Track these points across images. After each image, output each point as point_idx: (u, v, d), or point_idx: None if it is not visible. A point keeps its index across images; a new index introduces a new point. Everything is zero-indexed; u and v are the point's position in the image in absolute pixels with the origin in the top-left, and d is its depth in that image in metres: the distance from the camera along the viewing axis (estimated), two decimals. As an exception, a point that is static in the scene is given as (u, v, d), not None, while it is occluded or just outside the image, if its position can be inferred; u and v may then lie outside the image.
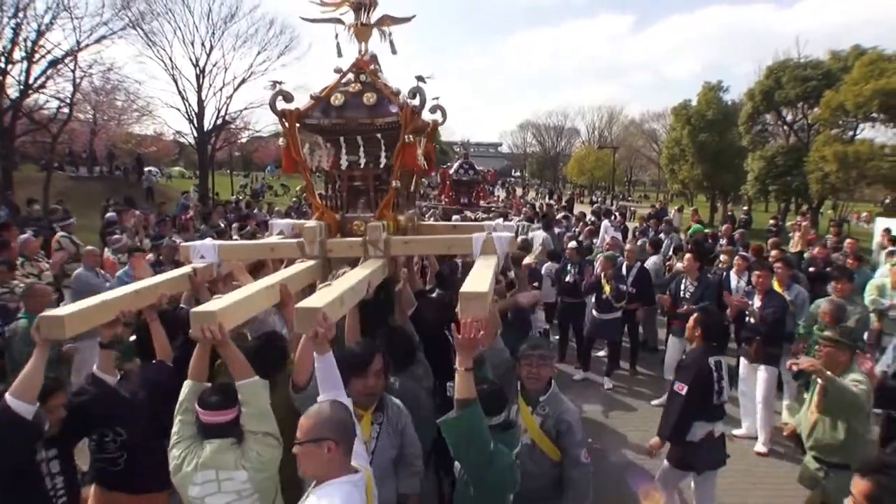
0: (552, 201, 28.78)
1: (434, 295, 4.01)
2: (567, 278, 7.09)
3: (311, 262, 3.40)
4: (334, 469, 1.84)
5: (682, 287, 6.35)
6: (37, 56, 15.50)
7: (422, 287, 4.18)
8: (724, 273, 7.04)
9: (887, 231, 10.14)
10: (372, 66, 3.70)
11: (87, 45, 16.38)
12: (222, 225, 11.01)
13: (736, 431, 5.46)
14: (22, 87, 15.46)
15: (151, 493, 2.70)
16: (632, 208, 30.60)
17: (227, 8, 22.64)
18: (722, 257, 7.89)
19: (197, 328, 2.24)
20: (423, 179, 6.39)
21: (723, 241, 10.09)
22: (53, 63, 15.85)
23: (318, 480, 1.86)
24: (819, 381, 3.18)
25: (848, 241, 8.87)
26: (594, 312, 6.78)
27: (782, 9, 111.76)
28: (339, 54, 3.68)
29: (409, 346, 3.16)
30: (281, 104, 3.47)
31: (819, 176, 18.92)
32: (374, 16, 3.71)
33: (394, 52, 3.74)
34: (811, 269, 7.46)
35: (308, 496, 1.86)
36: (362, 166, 3.67)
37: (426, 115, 3.71)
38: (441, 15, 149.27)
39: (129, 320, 3.01)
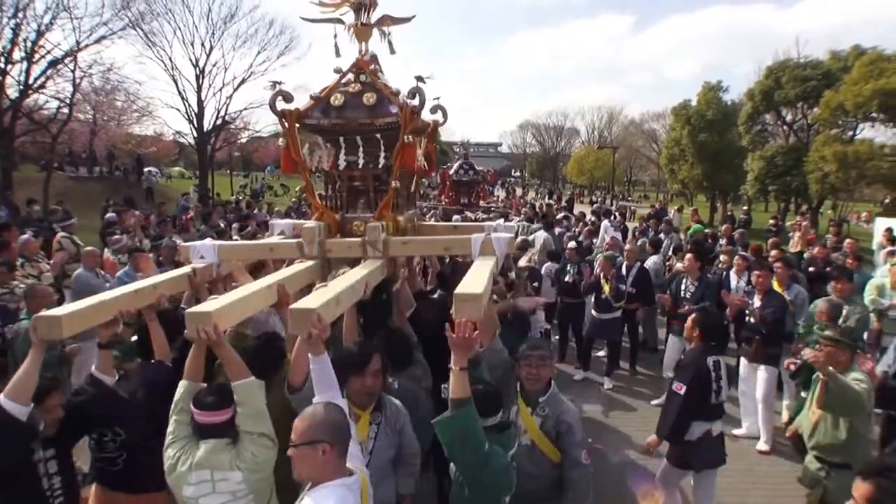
0: (552, 201, 28.79)
1: (435, 296, 4.02)
2: (566, 278, 7.09)
3: (310, 263, 3.40)
4: (329, 471, 1.84)
5: (683, 287, 6.36)
6: (36, 56, 15.52)
7: (422, 287, 4.18)
8: (724, 273, 7.04)
9: (889, 231, 10.13)
10: (372, 67, 3.70)
11: (87, 46, 16.40)
12: (222, 225, 11.01)
13: (736, 431, 5.47)
14: (22, 87, 15.47)
15: (150, 492, 2.70)
16: (632, 208, 30.61)
17: (226, 8, 22.60)
18: (722, 257, 7.89)
19: (192, 329, 2.24)
20: (424, 180, 6.39)
21: (722, 241, 10.10)
22: (53, 63, 15.85)
23: (313, 483, 1.85)
24: (821, 376, 3.20)
25: (847, 241, 8.87)
26: (593, 312, 6.78)
27: (782, 9, 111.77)
28: (338, 54, 3.69)
29: (407, 347, 3.16)
30: (281, 104, 3.47)
31: (819, 176, 18.93)
32: (375, 16, 3.71)
33: (392, 51, 3.75)
34: (811, 269, 7.47)
35: (302, 498, 1.85)
36: (360, 166, 3.67)
37: (427, 116, 3.71)
38: (440, 15, 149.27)
39: (130, 320, 3.01)
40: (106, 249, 7.39)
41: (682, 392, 3.60)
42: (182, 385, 2.39)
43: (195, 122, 22.18)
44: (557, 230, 10.58)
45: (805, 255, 9.92)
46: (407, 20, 3.77)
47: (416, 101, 3.35)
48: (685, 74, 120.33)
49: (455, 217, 7.94)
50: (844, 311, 5.04)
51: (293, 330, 2.25)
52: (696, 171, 26.60)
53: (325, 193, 3.89)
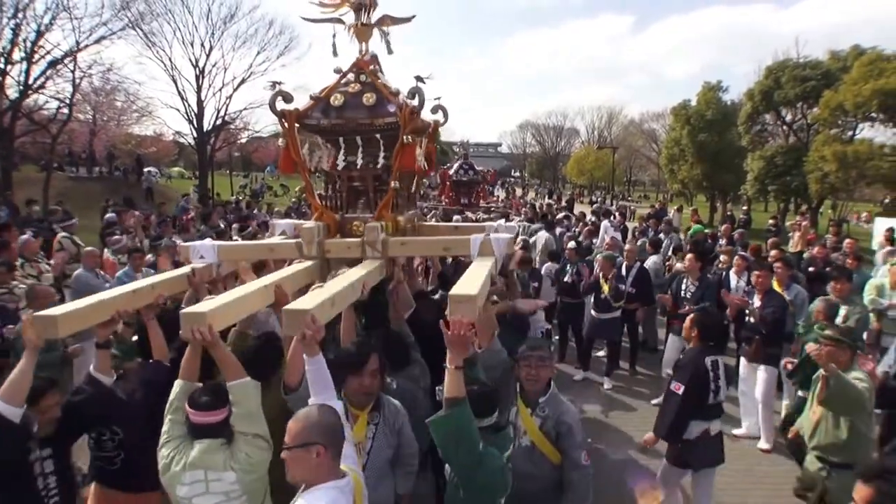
0: (552, 201, 28.79)
1: (437, 296, 4.01)
2: (566, 278, 7.10)
3: (309, 263, 3.40)
4: (322, 474, 1.83)
5: (684, 287, 6.36)
6: (36, 56, 15.51)
7: (422, 288, 4.18)
8: (724, 273, 7.05)
9: (891, 231, 10.11)
10: (372, 67, 3.70)
11: (87, 46, 16.40)
12: (222, 226, 11.02)
13: (736, 431, 5.47)
14: (21, 87, 15.47)
15: (148, 491, 2.69)
16: (631, 208, 30.61)
17: (226, 8, 22.67)
18: (722, 257, 7.90)
19: (187, 329, 2.24)
20: (424, 180, 6.39)
21: (722, 241, 10.10)
22: (53, 63, 15.85)
23: (306, 485, 1.85)
24: (821, 373, 3.21)
25: (847, 240, 8.87)
26: (593, 312, 6.79)
27: (781, 9, 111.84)
28: (335, 54, 3.69)
29: (404, 346, 3.15)
30: (280, 104, 3.48)
31: (818, 176, 18.92)
32: (375, 16, 3.71)
33: (389, 52, 3.75)
34: (810, 269, 7.48)
35: (295, 500, 1.85)
36: (359, 167, 3.67)
37: (427, 116, 3.71)
38: (440, 16, 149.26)
39: (130, 320, 3.01)
40: (106, 250, 7.39)
41: (680, 392, 3.61)
42: (177, 385, 2.39)
43: (195, 122, 22.20)
44: (558, 230, 10.59)
45: (805, 255, 9.92)
46: (407, 20, 3.78)
47: (415, 102, 3.35)
48: (685, 74, 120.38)
49: (455, 217, 7.94)
50: (844, 311, 5.05)
51: (287, 331, 2.25)
52: (696, 171, 26.60)
53: (325, 193, 3.89)
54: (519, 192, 41.26)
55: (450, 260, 4.61)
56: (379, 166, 3.64)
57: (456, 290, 2.39)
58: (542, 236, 9.39)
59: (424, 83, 3.38)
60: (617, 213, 19.22)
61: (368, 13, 3.68)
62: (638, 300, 6.97)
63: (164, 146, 29.85)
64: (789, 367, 4.60)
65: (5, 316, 4.72)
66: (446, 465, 2.50)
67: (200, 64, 21.63)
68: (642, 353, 7.55)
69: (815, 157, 19.12)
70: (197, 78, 21.69)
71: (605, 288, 6.60)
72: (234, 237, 9.19)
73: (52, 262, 6.80)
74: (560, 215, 14.12)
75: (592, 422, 5.81)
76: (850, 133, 19.96)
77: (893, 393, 3.86)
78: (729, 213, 21.09)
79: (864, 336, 5.48)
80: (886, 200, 24.70)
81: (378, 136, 3.59)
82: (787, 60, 23.00)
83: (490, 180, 13.36)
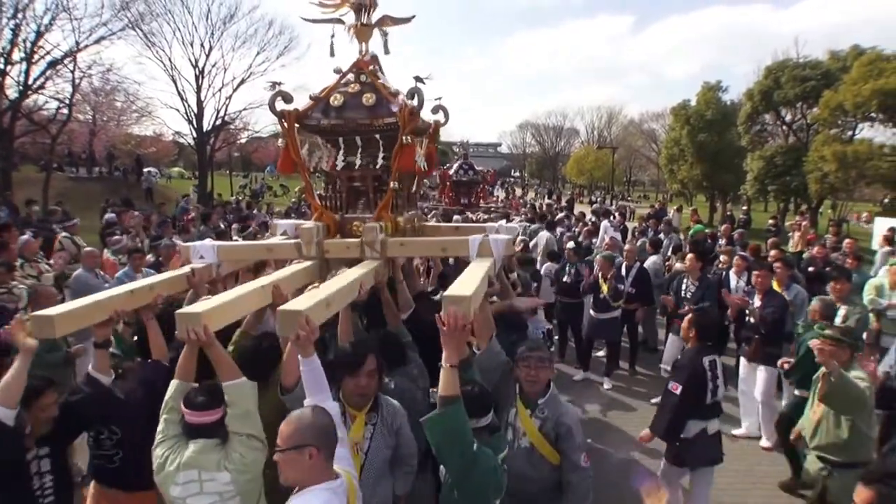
0: (552, 201, 28.79)
1: (437, 297, 4.00)
2: (564, 278, 7.10)
3: (308, 263, 3.40)
4: (315, 475, 1.83)
5: (684, 287, 6.37)
6: (36, 57, 15.54)
7: (422, 288, 4.17)
8: (724, 273, 7.05)
9: (892, 231, 10.10)
10: (371, 67, 3.70)
11: (87, 46, 16.46)
12: (222, 226, 11.02)
13: (736, 431, 5.47)
14: (21, 87, 15.49)
15: (147, 490, 2.68)
16: (631, 208, 30.61)
17: (226, 8, 22.85)
18: (721, 257, 7.90)
19: (182, 329, 2.24)
20: (425, 181, 6.40)
21: (722, 241, 10.10)
22: (53, 64, 15.88)
23: (299, 487, 1.84)
24: (822, 372, 3.22)
25: (847, 240, 8.88)
26: (592, 312, 6.79)
27: (781, 9, 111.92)
28: (332, 54, 3.69)
29: (400, 347, 3.14)
30: (280, 105, 3.47)
31: (818, 176, 18.93)
32: (375, 16, 3.71)
33: (386, 52, 3.75)
34: (810, 269, 7.48)
35: (289, 502, 1.85)
36: (357, 167, 3.66)
37: (428, 116, 3.71)
38: (440, 16, 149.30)
39: (130, 320, 3.01)
40: (105, 250, 7.40)
41: (677, 392, 3.63)
42: (173, 384, 2.38)
43: (194, 122, 22.24)
44: (558, 230, 10.59)
45: (804, 255, 9.93)
46: (407, 20, 3.77)
47: (414, 102, 3.34)
48: (685, 74, 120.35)
49: (455, 217, 7.94)
50: (844, 311, 5.05)
51: (281, 332, 2.25)
52: (696, 171, 26.60)
53: (325, 194, 3.89)
54: (519, 192, 41.25)
55: (452, 260, 4.60)
56: (378, 167, 3.63)
57: (451, 291, 2.38)
58: (544, 236, 9.40)
59: (424, 83, 3.37)
60: (617, 213, 19.23)
61: (368, 13, 3.67)
62: (638, 300, 6.97)
63: (163, 146, 29.89)
64: (786, 366, 4.62)
65: (5, 316, 4.72)
66: (441, 466, 2.48)
67: (200, 64, 21.70)
68: (642, 353, 7.55)
69: (814, 157, 19.13)
70: (197, 78, 21.74)
71: (605, 288, 6.61)
72: (235, 237, 9.19)
73: (51, 262, 6.80)
74: (560, 215, 14.13)
75: (592, 422, 5.81)
76: (849, 133, 19.97)
77: (894, 393, 3.87)
78: (729, 213, 21.08)
79: (864, 336, 5.48)
80: (886, 200, 24.69)
81: (377, 136, 3.59)
82: (786, 60, 23.02)
83: (490, 180, 13.36)
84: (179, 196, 20.19)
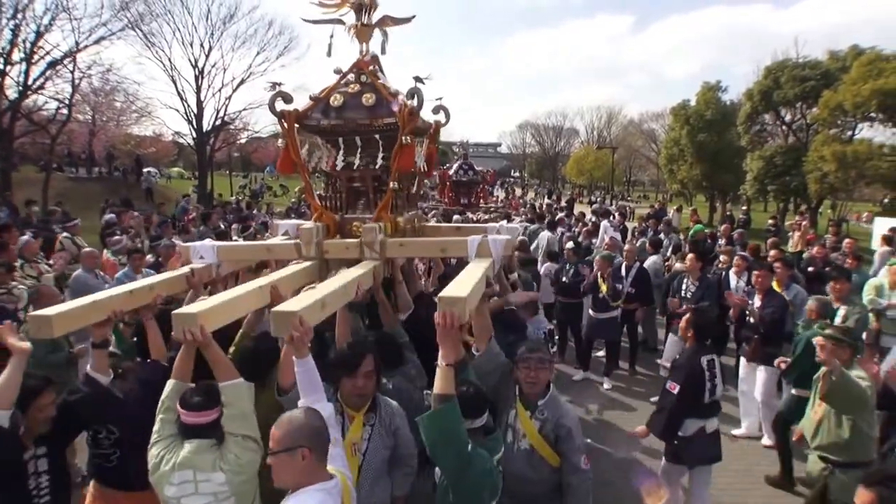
0: (551, 201, 28.78)
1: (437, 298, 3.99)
2: (563, 278, 7.11)
3: (307, 264, 3.40)
4: (309, 476, 1.82)
5: (684, 287, 6.38)
6: (36, 57, 15.54)
7: (422, 289, 4.17)
8: (724, 273, 7.05)
9: (893, 231, 10.10)
10: (371, 67, 3.70)
11: (86, 47, 16.46)
12: (222, 226, 11.02)
13: (736, 431, 5.48)
14: (21, 88, 15.49)
15: (145, 490, 2.66)
16: (630, 207, 30.62)
17: (225, 9, 22.87)
18: (721, 257, 7.90)
19: (178, 330, 2.24)
20: (426, 181, 6.40)
21: (722, 241, 10.10)
22: (52, 64, 15.88)
23: (293, 488, 1.84)
24: (823, 371, 3.22)
25: (847, 240, 8.88)
26: (591, 312, 6.80)
27: (781, 9, 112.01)
28: (329, 54, 3.69)
29: (397, 347, 3.13)
30: (280, 105, 3.47)
31: (818, 176, 18.93)
32: (375, 16, 3.71)
33: (383, 52, 3.75)
34: (810, 269, 7.48)
35: (284, 502, 1.84)
36: (355, 167, 3.66)
37: (429, 116, 3.70)
38: (440, 16, 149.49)
39: (130, 320, 3.01)
40: (105, 250, 7.40)
41: (675, 391, 3.64)
42: (170, 384, 2.38)
43: (194, 122, 22.24)
44: (559, 230, 10.60)
45: (804, 255, 9.93)
46: (407, 21, 3.77)
47: (414, 102, 3.34)
48: (684, 74, 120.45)
49: (455, 217, 7.94)
50: (843, 311, 5.06)
51: (275, 332, 2.23)
52: (696, 171, 26.60)
53: (325, 194, 3.89)
54: (518, 192, 41.24)
55: (454, 261, 4.59)
56: (378, 167, 3.63)
57: (446, 291, 2.38)
58: (545, 236, 9.42)
59: (423, 84, 3.37)
60: (617, 213, 19.23)
61: (369, 14, 3.68)
62: (637, 300, 6.98)
63: (163, 146, 29.90)
64: (783, 366, 4.63)
65: (4, 316, 4.72)
66: (437, 469, 2.47)
67: (200, 64, 21.72)
68: (642, 353, 7.55)
69: (814, 157, 19.13)
70: (196, 78, 21.76)
71: (603, 287, 6.61)
72: (235, 238, 9.20)
73: (51, 262, 6.80)
74: (560, 215, 14.14)
75: (592, 422, 5.81)
76: (849, 133, 19.97)
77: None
78: (728, 213, 21.09)
79: (864, 336, 5.49)
80: (886, 200, 24.69)
81: (377, 136, 3.58)
82: (786, 60, 23.02)
83: (489, 180, 13.36)
84: (179, 196, 20.19)
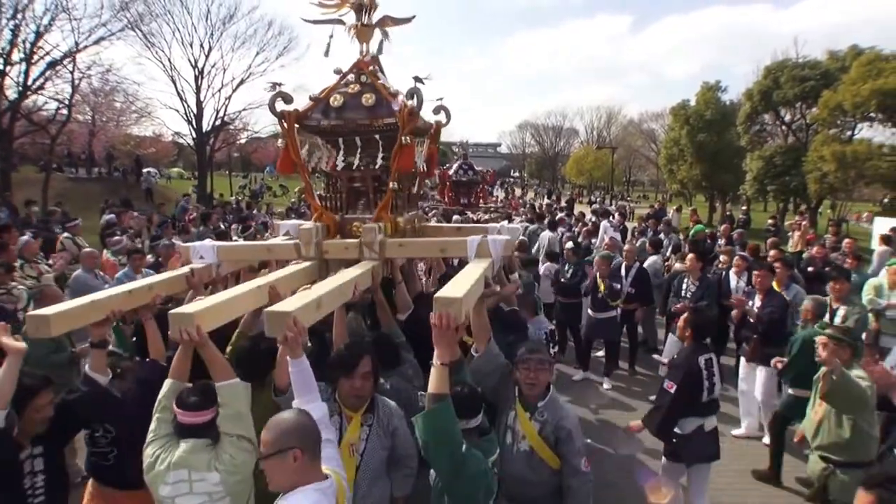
0: (551, 201, 28.78)
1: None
2: (562, 279, 7.11)
3: (307, 264, 3.39)
4: (303, 477, 1.82)
5: (684, 287, 6.38)
6: (35, 57, 15.53)
7: (421, 289, 4.17)
8: (724, 273, 7.06)
9: (894, 231, 10.09)
10: (371, 67, 3.70)
11: (86, 47, 16.45)
12: (222, 226, 11.03)
13: (736, 431, 5.48)
14: (20, 88, 15.48)
15: (142, 489, 2.66)
16: (629, 207, 30.63)
17: (225, 9, 22.88)
18: (721, 257, 7.90)
19: (175, 330, 2.24)
20: (426, 181, 6.40)
21: (721, 241, 10.09)
22: (52, 64, 15.87)
23: (289, 489, 1.84)
24: (823, 370, 3.23)
25: (846, 240, 8.88)
26: (590, 312, 6.80)
27: (781, 9, 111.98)
28: (326, 54, 3.70)
29: (394, 347, 3.13)
30: (280, 105, 3.47)
31: (817, 176, 18.94)
32: (375, 17, 3.71)
33: (379, 52, 3.76)
34: (809, 269, 7.49)
35: (279, 501, 1.84)
36: (354, 167, 3.66)
37: (430, 117, 3.70)
38: (440, 16, 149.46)
39: (130, 320, 3.00)
40: (105, 250, 7.40)
41: (672, 390, 3.66)
42: (167, 384, 2.38)
43: (194, 122, 22.24)
44: (560, 230, 10.61)
45: (804, 255, 9.93)
46: (407, 21, 3.78)
47: (414, 102, 3.34)
48: (684, 74, 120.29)
49: (455, 217, 7.94)
50: (843, 311, 5.06)
51: (269, 332, 2.23)
52: (695, 171, 26.61)
53: (325, 194, 3.89)
54: (518, 192, 41.25)
55: (456, 261, 4.59)
56: (378, 167, 3.63)
57: (442, 292, 2.38)
58: (546, 236, 9.43)
59: (423, 84, 3.38)
60: (616, 214, 19.24)
61: (369, 14, 3.68)
62: (637, 300, 6.98)
63: (163, 147, 29.88)
64: (779, 365, 4.63)
65: (4, 317, 4.72)
66: (431, 471, 2.45)
67: (199, 64, 21.72)
68: (642, 353, 7.55)
69: (813, 156, 19.14)
70: (196, 78, 21.76)
71: (602, 287, 6.61)
72: (235, 238, 9.20)
73: (51, 262, 6.80)
74: (561, 215, 14.14)
75: (592, 422, 5.81)
76: (848, 133, 19.98)
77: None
78: (728, 213, 21.10)
79: (864, 336, 5.49)
80: (885, 200, 24.70)
81: (377, 136, 3.59)
82: (786, 60, 23.03)
83: (489, 181, 13.35)
84: (179, 196, 20.19)
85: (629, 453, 5.07)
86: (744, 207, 25.46)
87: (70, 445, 3.44)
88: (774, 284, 5.62)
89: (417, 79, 3.37)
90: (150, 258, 6.88)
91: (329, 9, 3.67)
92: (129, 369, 2.98)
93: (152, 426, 2.32)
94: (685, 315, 3.96)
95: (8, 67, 15.17)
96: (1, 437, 2.31)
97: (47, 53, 15.75)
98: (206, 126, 22.55)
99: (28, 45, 15.29)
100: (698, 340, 3.80)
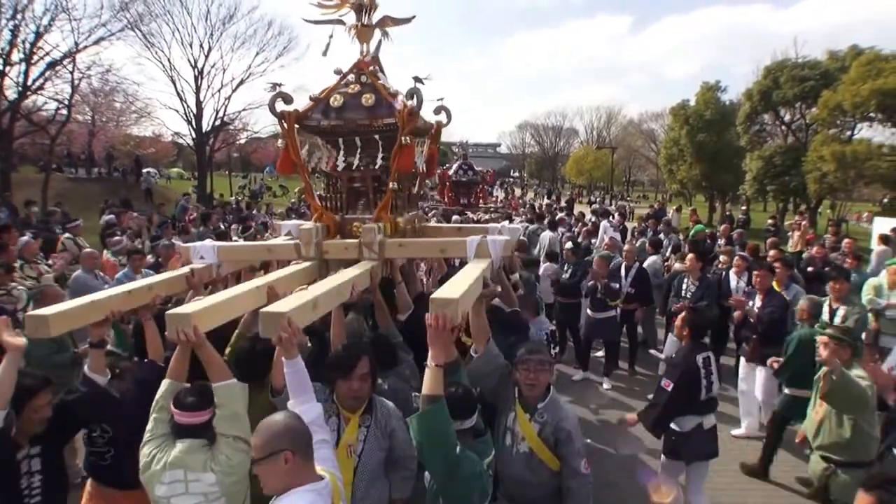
0: (551, 201, 28.79)
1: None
2: (562, 278, 7.11)
3: (307, 264, 3.39)
4: (297, 478, 1.81)
5: (684, 287, 6.38)
6: (35, 58, 15.53)
7: (422, 290, 4.17)
8: (724, 273, 7.06)
9: (895, 231, 10.09)
10: (372, 68, 3.70)
11: (86, 47, 16.45)
12: (222, 227, 11.03)
13: (736, 431, 5.48)
14: (20, 88, 15.47)
15: (140, 489, 2.68)
16: (629, 207, 30.64)
17: (225, 9, 22.87)
18: (721, 257, 7.91)
19: (172, 330, 2.24)
20: (427, 181, 6.40)
21: (721, 241, 10.10)
22: (52, 65, 15.87)
23: (283, 492, 1.83)
24: (823, 371, 3.23)
25: (846, 240, 8.89)
26: (589, 311, 6.80)
27: (781, 9, 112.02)
28: (324, 54, 3.71)
29: (391, 348, 3.12)
30: (280, 106, 3.47)
31: (817, 176, 18.94)
32: (375, 17, 3.71)
33: (376, 52, 3.76)
34: (809, 269, 7.49)
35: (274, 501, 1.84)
36: (354, 168, 3.67)
37: (430, 117, 3.70)
38: (440, 16, 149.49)
39: (130, 320, 3.00)
40: (105, 251, 7.40)
41: (669, 389, 3.68)
42: (164, 384, 2.38)
43: (194, 122, 22.24)
44: (560, 230, 10.61)
45: (804, 255, 9.93)
46: (407, 21, 3.78)
47: (413, 102, 3.34)
48: (684, 74, 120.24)
49: (454, 217, 7.94)
50: (843, 311, 5.06)
51: (264, 333, 2.22)
52: (695, 171, 26.62)
53: (325, 195, 3.89)
54: (518, 192, 41.25)
55: (457, 262, 4.59)
56: (377, 167, 3.63)
57: (438, 293, 2.36)
58: (546, 236, 9.44)
59: (423, 84, 3.38)
60: (616, 214, 19.24)
61: (369, 14, 3.68)
62: (637, 300, 6.98)
63: (162, 147, 29.89)
64: (775, 365, 4.64)
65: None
66: (426, 473, 2.44)
67: (199, 65, 21.72)
68: (642, 353, 7.54)
69: (813, 156, 19.15)
70: (196, 79, 21.76)
71: (600, 287, 6.62)
72: (235, 238, 9.20)
73: (50, 262, 6.80)
74: (561, 215, 14.14)
75: (592, 422, 5.82)
76: (848, 133, 19.98)
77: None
78: (728, 213, 21.11)
79: (863, 336, 5.49)
80: (885, 200, 24.71)
81: (377, 137, 3.59)
82: (785, 60, 23.03)
83: (489, 181, 13.36)
84: (179, 196, 20.18)
85: (630, 453, 5.07)
86: (743, 207, 25.46)
87: (70, 445, 3.44)
88: (774, 284, 5.62)
89: (417, 79, 3.37)
90: (150, 259, 6.87)
91: (329, 9, 3.67)
92: (128, 369, 2.98)
93: (149, 426, 2.32)
94: (682, 314, 3.99)
95: (8, 68, 15.17)
96: (2, 437, 2.31)
97: (47, 54, 15.77)
98: (205, 126, 22.55)
99: (28, 46, 15.31)
100: (696, 339, 3.83)
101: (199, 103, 21.97)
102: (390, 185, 3.52)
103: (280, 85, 3.45)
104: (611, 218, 13.84)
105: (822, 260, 8.11)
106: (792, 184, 21.06)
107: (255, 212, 17.07)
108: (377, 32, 3.75)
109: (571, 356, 7.29)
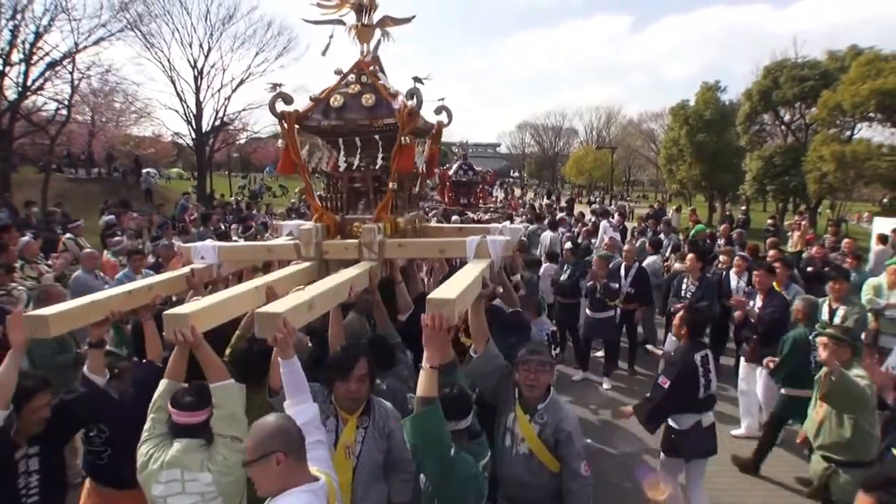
0: (551, 201, 28.79)
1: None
2: (561, 278, 7.11)
3: (307, 264, 3.39)
4: (290, 479, 1.81)
5: (684, 287, 6.38)
6: (35, 58, 15.53)
7: (423, 290, 4.16)
8: (724, 273, 7.06)
9: (895, 232, 10.08)
10: (372, 68, 3.70)
11: (86, 47, 16.45)
12: (223, 227, 11.03)
13: (735, 431, 5.48)
14: (20, 88, 15.48)
15: (138, 489, 2.68)
16: (629, 207, 30.64)
17: (225, 9, 22.85)
18: (721, 257, 7.91)
19: (170, 330, 2.24)
20: (427, 181, 6.41)
21: (721, 241, 10.10)
22: (51, 65, 15.87)
23: (277, 493, 1.83)
24: (823, 371, 3.24)
25: (846, 240, 8.89)
26: (588, 311, 6.80)
27: (780, 9, 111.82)
28: (323, 53, 3.71)
29: (389, 348, 3.12)
30: (280, 106, 3.47)
31: (817, 176, 18.94)
32: (375, 17, 3.72)
33: (375, 51, 3.76)
34: (809, 269, 7.49)
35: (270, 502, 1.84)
36: (354, 168, 3.67)
37: (431, 117, 3.70)
38: (440, 16, 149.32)
39: (125, 320, 3.00)
40: (105, 251, 7.40)
41: (665, 386, 3.69)
42: (162, 384, 2.39)
43: (193, 123, 22.25)
44: (560, 230, 10.62)
45: (803, 255, 9.93)
46: (407, 21, 3.79)
47: (413, 102, 3.34)
48: (684, 74, 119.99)
49: (454, 218, 7.95)
50: (843, 311, 5.07)
51: (260, 333, 2.22)
52: (695, 171, 26.61)
53: (325, 195, 3.89)
54: (518, 192, 41.25)
55: (458, 262, 4.59)
56: (378, 167, 3.63)
57: (435, 293, 2.35)
58: (547, 236, 9.44)
59: (423, 84, 3.38)
60: (616, 214, 19.24)
61: (369, 14, 3.68)
62: (636, 300, 6.98)
63: (162, 147, 29.88)
64: (771, 365, 4.65)
65: (4, 318, 4.71)
66: (422, 476, 2.44)
67: (199, 65, 21.73)
68: (641, 353, 7.54)
69: (813, 156, 19.15)
70: (195, 79, 21.77)
71: (599, 286, 6.62)
72: (235, 238, 9.21)
73: (50, 262, 6.80)
74: (561, 215, 14.14)
75: (592, 422, 5.82)
76: (848, 133, 19.98)
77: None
78: (727, 212, 21.10)
79: (863, 336, 5.50)
80: (885, 200, 24.72)
81: (377, 137, 3.59)
82: (785, 60, 23.03)
83: (489, 181, 13.35)
84: (179, 196, 20.17)
85: (630, 452, 5.08)
86: (743, 207, 25.44)
87: (71, 445, 3.44)
88: (774, 284, 5.62)
89: (417, 79, 3.37)
90: (150, 259, 6.87)
91: (329, 9, 3.68)
92: (127, 370, 2.98)
93: (147, 425, 2.33)
94: (681, 314, 4.01)
95: (7, 68, 15.18)
96: (2, 437, 2.31)
97: (47, 54, 15.77)
98: (205, 126, 22.56)
99: (27, 46, 15.31)
100: (694, 338, 3.84)
101: (198, 103, 22.00)
102: (390, 185, 3.52)
103: (280, 85, 3.45)
104: (610, 218, 13.83)
105: (821, 260, 8.11)
106: (792, 184, 21.06)
107: (255, 212, 17.07)
108: (377, 32, 3.76)
109: (571, 356, 7.29)
